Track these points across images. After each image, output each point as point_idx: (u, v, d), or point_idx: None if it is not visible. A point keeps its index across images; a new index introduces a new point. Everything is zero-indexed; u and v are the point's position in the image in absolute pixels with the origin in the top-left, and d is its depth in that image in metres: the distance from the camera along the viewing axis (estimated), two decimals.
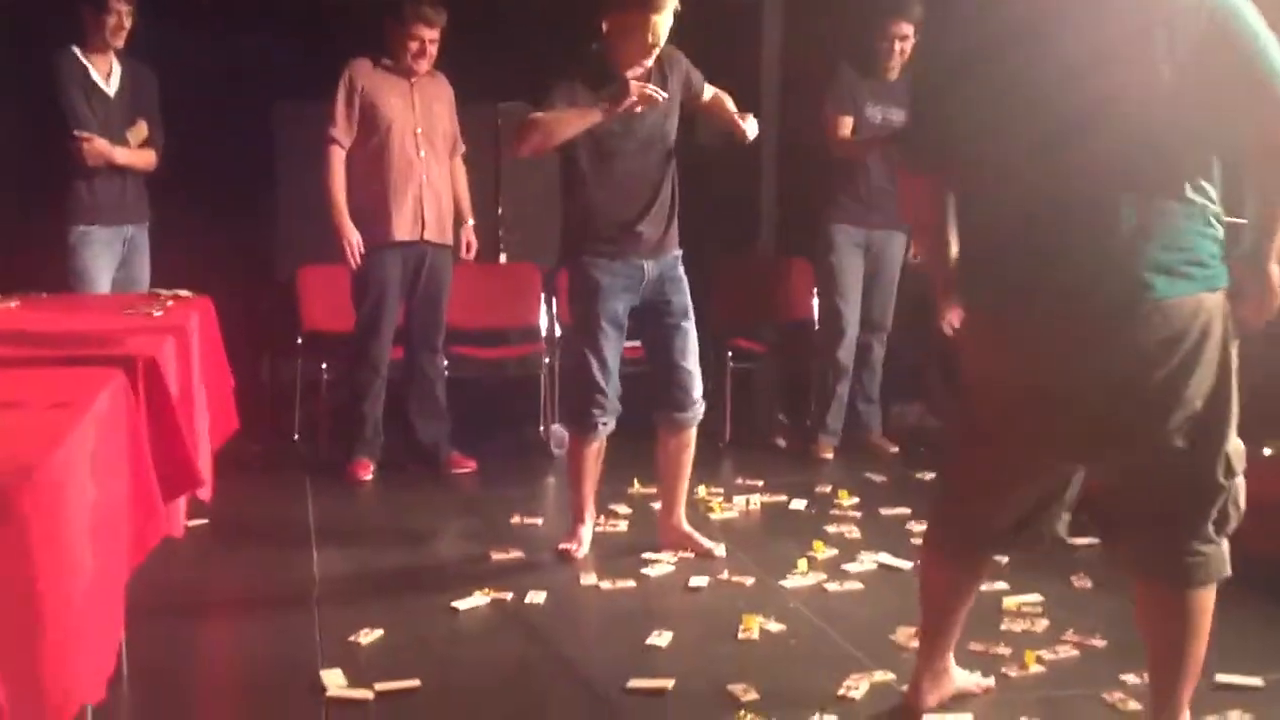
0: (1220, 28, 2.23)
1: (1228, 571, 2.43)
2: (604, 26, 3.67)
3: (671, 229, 3.87)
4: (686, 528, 4.04)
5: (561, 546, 3.96)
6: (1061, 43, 2.30)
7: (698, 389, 3.93)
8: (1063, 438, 2.44)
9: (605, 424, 3.88)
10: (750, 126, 3.87)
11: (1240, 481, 2.41)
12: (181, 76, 5.13)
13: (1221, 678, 2.91)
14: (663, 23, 3.60)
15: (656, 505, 4.19)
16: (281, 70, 5.84)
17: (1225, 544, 2.43)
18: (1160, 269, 2.28)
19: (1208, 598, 2.43)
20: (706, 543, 4.01)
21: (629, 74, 3.65)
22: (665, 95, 3.64)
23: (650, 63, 3.70)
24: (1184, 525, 2.38)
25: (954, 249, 2.60)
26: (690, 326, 3.91)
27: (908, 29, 5.20)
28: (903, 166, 2.68)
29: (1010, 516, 2.60)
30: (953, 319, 2.74)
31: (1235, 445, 2.40)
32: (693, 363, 3.91)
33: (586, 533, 4.00)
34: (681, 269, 3.91)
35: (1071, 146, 2.30)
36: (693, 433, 3.98)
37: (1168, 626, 2.46)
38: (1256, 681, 2.97)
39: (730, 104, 3.96)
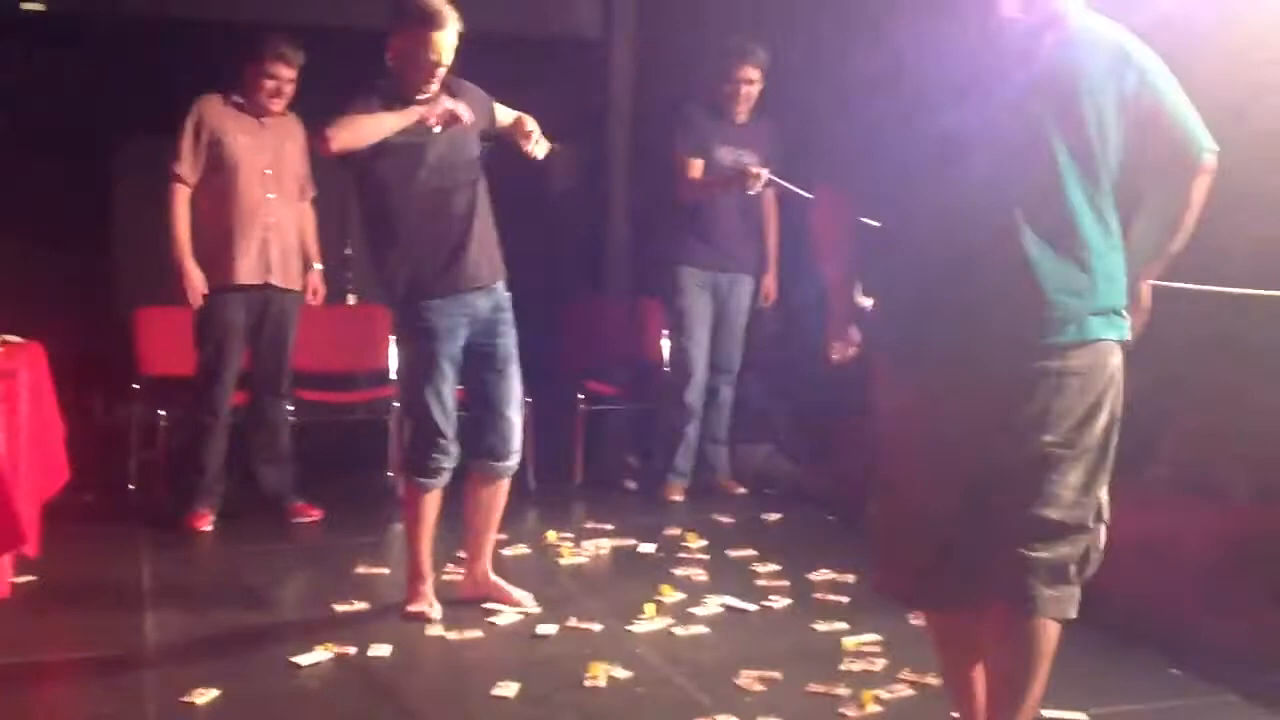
0: (1150, 86, 2.39)
1: (1074, 614, 2.48)
2: (388, 55, 3.65)
3: (495, 258, 3.81)
4: (494, 578, 3.99)
5: (412, 609, 3.85)
6: (987, 108, 2.36)
7: (517, 439, 3.87)
8: (959, 474, 2.46)
9: (446, 469, 3.81)
10: (538, 148, 3.80)
11: (1104, 529, 2.48)
12: (12, 108, 4.97)
13: (1046, 713, 2.98)
14: (444, 40, 3.59)
15: (505, 551, 4.15)
16: (119, 103, 5.70)
17: (1078, 589, 2.47)
18: (1071, 316, 2.35)
19: (1055, 633, 2.47)
20: (516, 593, 3.95)
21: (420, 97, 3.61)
22: (472, 116, 3.61)
23: (436, 87, 3.66)
24: (1055, 560, 2.42)
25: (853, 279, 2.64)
26: (514, 373, 3.86)
27: (754, 73, 5.32)
28: (821, 181, 2.65)
29: (933, 560, 2.53)
30: (839, 348, 2.74)
31: (1104, 492, 2.47)
32: (514, 412, 3.86)
33: (430, 589, 3.91)
34: (510, 313, 3.85)
35: (991, 202, 2.36)
36: (506, 482, 3.93)
37: (1016, 658, 2.47)
38: (1080, 716, 3.07)
39: (530, 124, 3.82)
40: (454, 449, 3.80)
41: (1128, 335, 2.45)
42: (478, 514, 3.94)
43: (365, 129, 3.57)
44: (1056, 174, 2.36)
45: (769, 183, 5.05)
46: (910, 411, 2.51)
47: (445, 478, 3.83)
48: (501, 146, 3.84)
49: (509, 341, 3.85)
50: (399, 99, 3.62)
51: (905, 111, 2.43)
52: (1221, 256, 3.39)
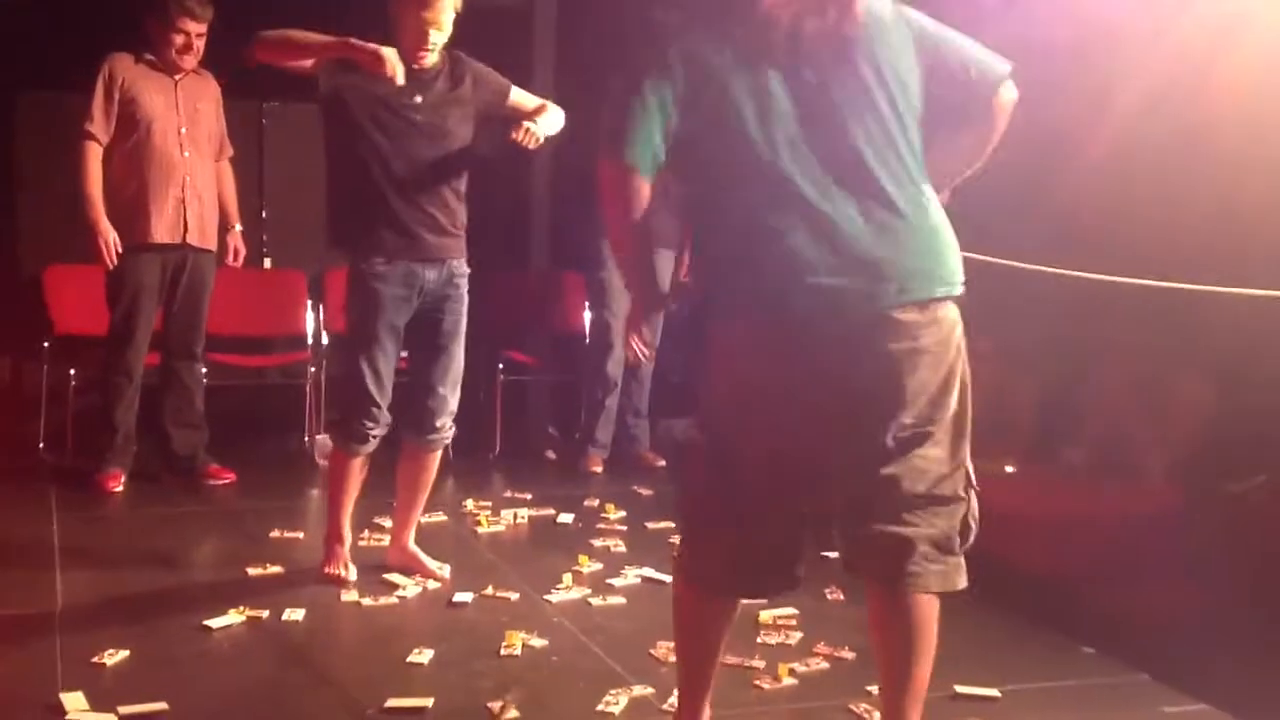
0: (923, 25, 2.40)
1: (964, 584, 2.44)
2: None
3: (455, 237, 3.72)
4: (413, 548, 3.97)
5: (329, 572, 3.83)
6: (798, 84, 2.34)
7: (448, 414, 3.83)
8: (820, 450, 2.37)
9: (375, 437, 3.76)
10: (526, 137, 3.66)
11: (975, 496, 2.43)
12: None
13: (960, 689, 3.05)
14: (432, 20, 3.54)
15: (423, 519, 4.13)
16: (25, 59, 5.54)
17: (962, 559, 2.44)
18: (916, 273, 2.31)
19: (937, 607, 2.43)
20: (432, 564, 3.93)
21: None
22: (402, 81, 3.53)
23: (434, 59, 3.63)
24: (936, 534, 2.38)
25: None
26: (457, 351, 3.79)
27: None
28: (618, 164, 2.53)
29: (764, 549, 2.48)
30: (638, 342, 2.73)
31: (969, 460, 2.44)
32: (449, 389, 3.80)
33: (347, 553, 3.88)
34: (464, 289, 3.77)
35: (809, 169, 2.33)
36: (436, 456, 3.90)
37: (906, 637, 2.43)
38: (994, 693, 3.11)
39: (538, 119, 3.73)
40: (385, 417, 3.74)
41: (961, 289, 2.39)
42: (405, 485, 3.92)
43: (297, 43, 3.54)
44: (878, 137, 2.33)
45: None
46: (759, 391, 2.40)
47: (373, 444, 3.77)
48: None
49: (457, 318, 3.76)
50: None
51: (698, 90, 2.40)
52: (1133, 248, 3.47)
